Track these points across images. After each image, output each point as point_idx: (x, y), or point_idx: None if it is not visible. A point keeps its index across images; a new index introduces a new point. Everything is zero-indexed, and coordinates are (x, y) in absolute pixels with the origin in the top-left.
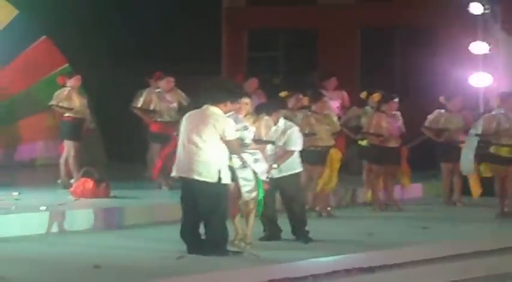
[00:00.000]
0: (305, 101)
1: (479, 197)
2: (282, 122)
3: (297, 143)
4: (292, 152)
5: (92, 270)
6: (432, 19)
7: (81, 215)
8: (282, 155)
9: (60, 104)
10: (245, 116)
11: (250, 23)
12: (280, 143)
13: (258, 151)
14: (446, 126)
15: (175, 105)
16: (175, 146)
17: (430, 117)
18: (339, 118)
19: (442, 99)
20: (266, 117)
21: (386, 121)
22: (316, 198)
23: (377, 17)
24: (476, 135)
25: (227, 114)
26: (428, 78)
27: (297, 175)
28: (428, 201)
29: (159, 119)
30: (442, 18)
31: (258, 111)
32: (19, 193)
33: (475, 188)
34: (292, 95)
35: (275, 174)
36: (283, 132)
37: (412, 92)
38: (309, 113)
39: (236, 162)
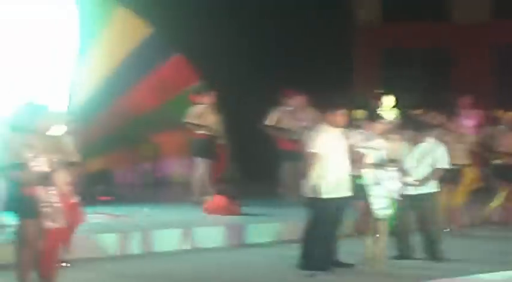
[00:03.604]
0: (439, 119)
1: None
2: (429, 140)
3: (445, 161)
4: (441, 171)
5: None
6: None
7: (214, 232)
8: (432, 173)
9: (194, 122)
10: (379, 134)
11: (384, 40)
12: (428, 161)
13: (391, 169)
14: None
15: (306, 123)
16: None
17: None
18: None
19: None
20: (397, 137)
21: None
22: (448, 216)
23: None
24: None
25: (360, 131)
26: None
27: (433, 194)
28: None
29: (290, 137)
30: None
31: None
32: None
33: None
34: (426, 113)
35: (412, 191)
36: (432, 150)
37: None
38: (443, 131)
39: (370, 179)
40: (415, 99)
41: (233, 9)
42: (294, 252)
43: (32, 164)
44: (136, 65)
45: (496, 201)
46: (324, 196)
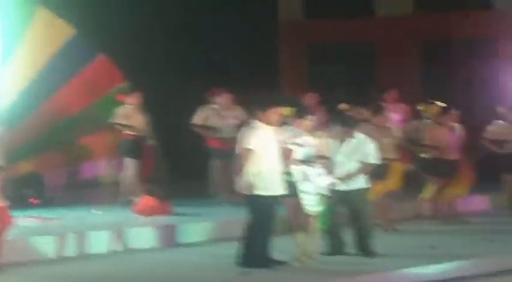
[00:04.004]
0: (365, 114)
1: None
2: (358, 135)
3: (375, 156)
4: (370, 166)
5: None
6: (492, 29)
7: (144, 233)
8: (361, 168)
9: (120, 122)
10: (307, 131)
11: (308, 36)
12: (357, 156)
13: (320, 165)
14: (507, 137)
15: (233, 121)
16: None
17: (489, 128)
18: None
19: (501, 110)
20: (323, 133)
21: (444, 133)
22: (377, 211)
23: (435, 28)
24: None
25: (288, 128)
26: (487, 90)
27: (364, 189)
28: (495, 214)
29: (217, 135)
30: (502, 29)
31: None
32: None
33: None
34: (352, 108)
35: (342, 187)
36: (361, 145)
37: (472, 103)
38: (370, 126)
39: (298, 175)
40: (341, 95)
41: (157, 7)
42: (228, 250)
43: None
44: (61, 67)
45: (425, 195)
46: (259, 193)
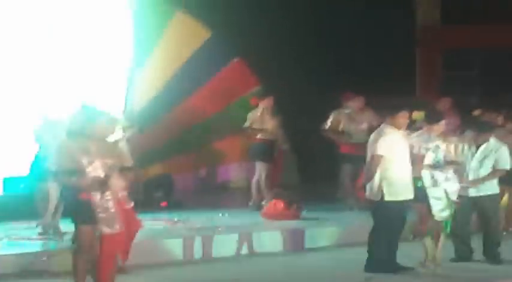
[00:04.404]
0: (499, 120)
1: None
2: (492, 140)
3: (507, 162)
4: (502, 171)
5: None
6: None
7: (271, 237)
8: (492, 173)
9: (253, 126)
10: (438, 136)
11: (444, 41)
12: (490, 162)
13: (450, 170)
14: None
15: (365, 125)
16: None
17: None
18: None
19: None
20: (455, 138)
21: None
22: (507, 218)
23: None
24: None
25: (419, 132)
26: None
27: (494, 196)
28: None
29: (349, 140)
30: None
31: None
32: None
33: None
34: (486, 114)
35: (472, 193)
36: (494, 150)
37: None
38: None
39: (427, 180)
40: (474, 100)
41: (292, 12)
42: (355, 255)
43: (87, 169)
44: (196, 70)
45: None
46: (389, 199)
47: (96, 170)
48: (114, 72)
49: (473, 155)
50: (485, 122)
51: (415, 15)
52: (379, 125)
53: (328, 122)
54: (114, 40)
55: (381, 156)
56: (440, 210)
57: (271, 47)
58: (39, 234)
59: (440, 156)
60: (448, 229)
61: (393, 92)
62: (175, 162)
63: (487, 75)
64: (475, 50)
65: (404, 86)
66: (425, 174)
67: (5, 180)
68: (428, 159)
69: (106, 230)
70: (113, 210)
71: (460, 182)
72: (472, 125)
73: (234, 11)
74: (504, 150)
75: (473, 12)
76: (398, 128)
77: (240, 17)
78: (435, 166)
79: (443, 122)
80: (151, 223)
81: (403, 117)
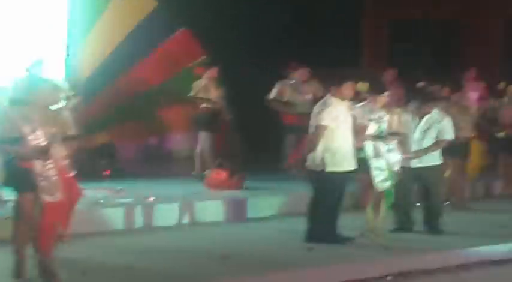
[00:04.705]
0: (445, 92)
1: None
2: (435, 111)
3: (450, 133)
4: (445, 142)
5: (220, 260)
6: None
7: (212, 207)
8: (436, 144)
9: (198, 95)
10: (382, 107)
11: (392, 13)
12: (433, 133)
13: (393, 141)
14: None
15: (310, 96)
16: None
17: None
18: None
19: None
20: (399, 109)
21: None
22: (451, 190)
23: None
24: None
25: (362, 104)
26: None
27: (437, 167)
28: None
29: (293, 111)
30: None
31: (417, 100)
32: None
33: None
34: (431, 85)
35: (415, 164)
36: (437, 121)
37: None
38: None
39: (370, 151)
40: (421, 72)
41: None
42: (297, 225)
43: (29, 137)
44: (141, 40)
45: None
46: (331, 169)
47: (38, 138)
48: (56, 40)
49: (416, 126)
50: (428, 93)
51: None
52: (324, 96)
53: (273, 93)
54: (55, 9)
55: (325, 127)
56: (382, 180)
57: (216, 18)
58: None
59: (384, 127)
60: (390, 200)
61: (339, 63)
62: (120, 132)
63: (434, 47)
64: (422, 22)
65: (350, 57)
66: (368, 145)
67: None
68: (371, 130)
69: (47, 198)
70: (54, 178)
71: (403, 153)
72: (416, 96)
73: None
74: (447, 121)
75: None
76: (343, 99)
77: None
78: (378, 137)
79: (387, 93)
80: (93, 192)
81: (348, 88)
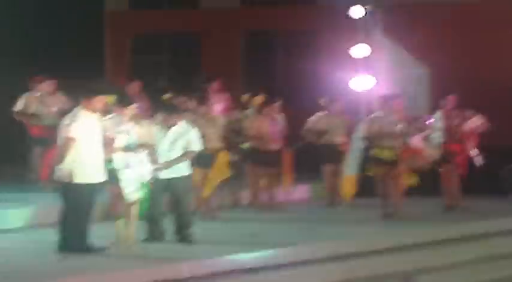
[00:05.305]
0: (190, 104)
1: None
2: (182, 123)
3: (197, 144)
4: (192, 153)
5: None
6: (314, 22)
7: None
8: (183, 155)
9: None
10: (129, 119)
11: (133, 26)
12: (180, 144)
13: (143, 152)
14: (326, 128)
15: (56, 108)
16: None
17: (310, 119)
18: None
19: (322, 101)
20: (147, 121)
21: (267, 124)
22: (200, 200)
23: (260, 20)
24: (360, 138)
25: (110, 116)
26: (310, 81)
27: (186, 177)
28: (314, 203)
29: (39, 123)
30: (323, 21)
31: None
32: None
33: (348, 190)
34: (176, 97)
35: (164, 175)
36: (184, 133)
37: (294, 94)
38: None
39: (119, 162)
40: (164, 83)
41: None
42: (48, 236)
43: None
44: None
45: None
46: (79, 181)
47: None
48: None
49: (164, 138)
50: (172, 106)
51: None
52: (71, 108)
53: (18, 105)
54: None
55: (74, 138)
56: (132, 191)
57: None
58: None
59: (133, 138)
60: (141, 210)
61: (83, 75)
62: None
63: (176, 59)
64: (163, 35)
65: (94, 69)
66: (117, 156)
67: None
68: (120, 141)
69: None
70: None
71: (153, 163)
72: (162, 107)
73: None
74: (194, 132)
75: None
76: (94, 111)
77: None
78: (127, 148)
79: (133, 105)
80: None
81: (99, 101)
